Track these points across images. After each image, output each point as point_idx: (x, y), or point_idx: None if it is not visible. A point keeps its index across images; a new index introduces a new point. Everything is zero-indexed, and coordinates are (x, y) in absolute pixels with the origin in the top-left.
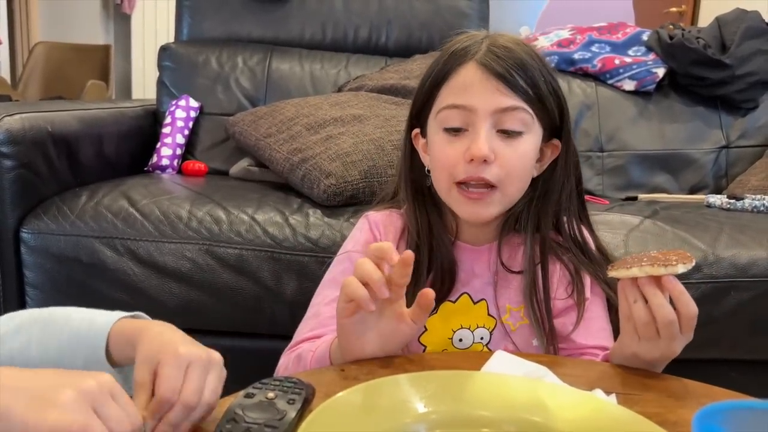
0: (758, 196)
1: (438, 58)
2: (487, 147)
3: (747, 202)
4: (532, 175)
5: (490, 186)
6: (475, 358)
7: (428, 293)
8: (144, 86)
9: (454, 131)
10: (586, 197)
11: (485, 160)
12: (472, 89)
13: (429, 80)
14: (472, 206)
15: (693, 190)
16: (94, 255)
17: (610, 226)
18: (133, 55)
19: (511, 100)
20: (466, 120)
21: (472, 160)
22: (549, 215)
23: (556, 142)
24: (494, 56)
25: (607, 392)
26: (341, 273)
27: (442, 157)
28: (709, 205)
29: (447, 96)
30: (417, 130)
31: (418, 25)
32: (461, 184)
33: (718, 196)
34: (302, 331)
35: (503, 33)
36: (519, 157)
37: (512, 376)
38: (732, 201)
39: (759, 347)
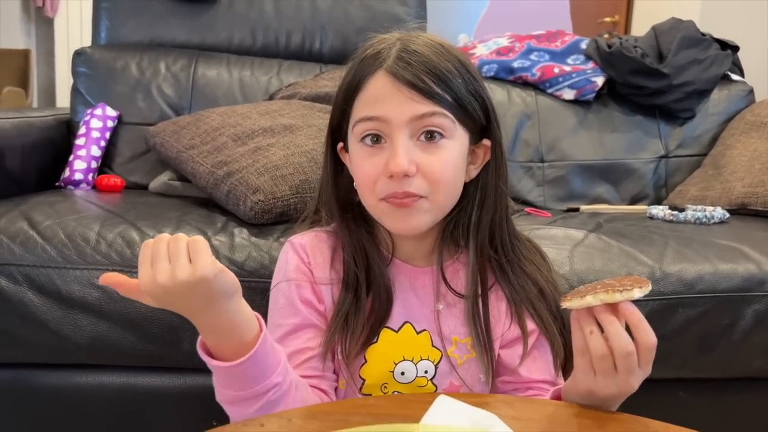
0: (699, 207)
1: (350, 67)
2: (406, 161)
3: (689, 214)
4: (463, 180)
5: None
6: (415, 403)
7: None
8: (69, 94)
9: (372, 142)
10: (529, 209)
11: (406, 175)
12: (383, 100)
13: (342, 92)
14: (401, 216)
15: (634, 201)
16: None
17: (554, 240)
18: (57, 62)
19: (427, 106)
20: (383, 130)
21: (392, 176)
22: (485, 225)
23: (487, 142)
24: (404, 63)
25: None
26: (284, 306)
27: (362, 173)
28: (651, 217)
29: (361, 108)
30: (341, 145)
31: (353, 30)
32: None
33: (660, 207)
34: None
35: (418, 34)
36: (443, 165)
37: (456, 428)
38: (674, 213)
39: (706, 365)
